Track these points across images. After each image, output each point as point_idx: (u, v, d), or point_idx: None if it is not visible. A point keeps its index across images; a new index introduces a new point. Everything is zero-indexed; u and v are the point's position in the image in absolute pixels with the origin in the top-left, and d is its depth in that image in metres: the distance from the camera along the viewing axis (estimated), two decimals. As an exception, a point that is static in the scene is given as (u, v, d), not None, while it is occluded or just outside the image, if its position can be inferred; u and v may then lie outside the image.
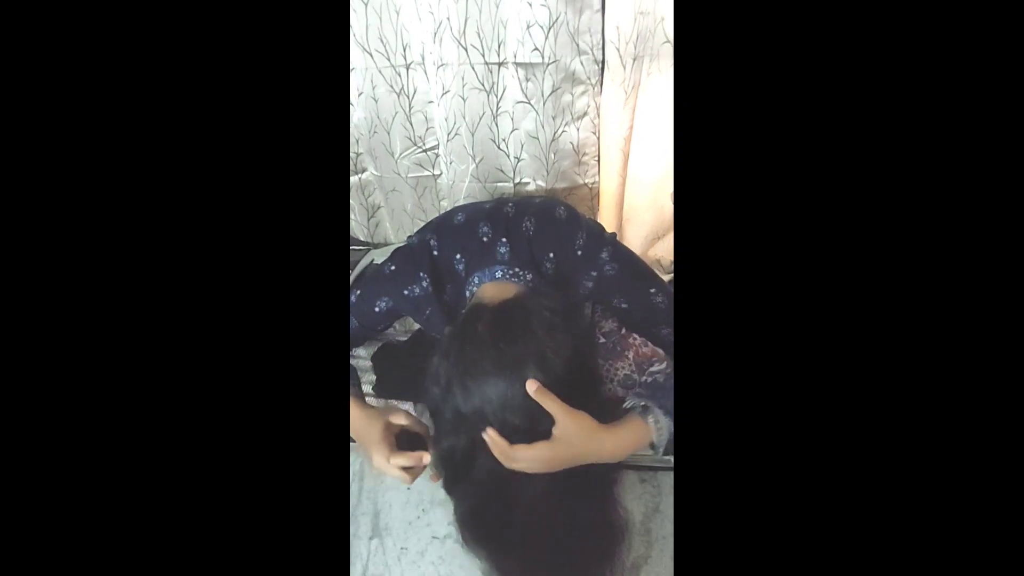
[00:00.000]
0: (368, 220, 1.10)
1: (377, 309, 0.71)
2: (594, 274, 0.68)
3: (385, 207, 1.06)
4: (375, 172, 0.99)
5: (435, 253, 0.69)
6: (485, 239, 0.68)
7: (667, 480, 0.98)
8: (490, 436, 0.53)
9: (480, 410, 0.54)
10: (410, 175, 0.97)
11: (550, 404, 0.52)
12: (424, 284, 0.68)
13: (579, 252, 0.67)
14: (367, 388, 1.01)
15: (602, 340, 1.27)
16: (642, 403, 0.61)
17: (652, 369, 0.83)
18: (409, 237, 0.73)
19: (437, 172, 0.97)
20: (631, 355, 1.22)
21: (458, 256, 0.68)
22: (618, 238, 0.74)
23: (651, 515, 0.98)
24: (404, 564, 1.00)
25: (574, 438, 0.54)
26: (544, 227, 0.68)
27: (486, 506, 0.59)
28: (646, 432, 0.59)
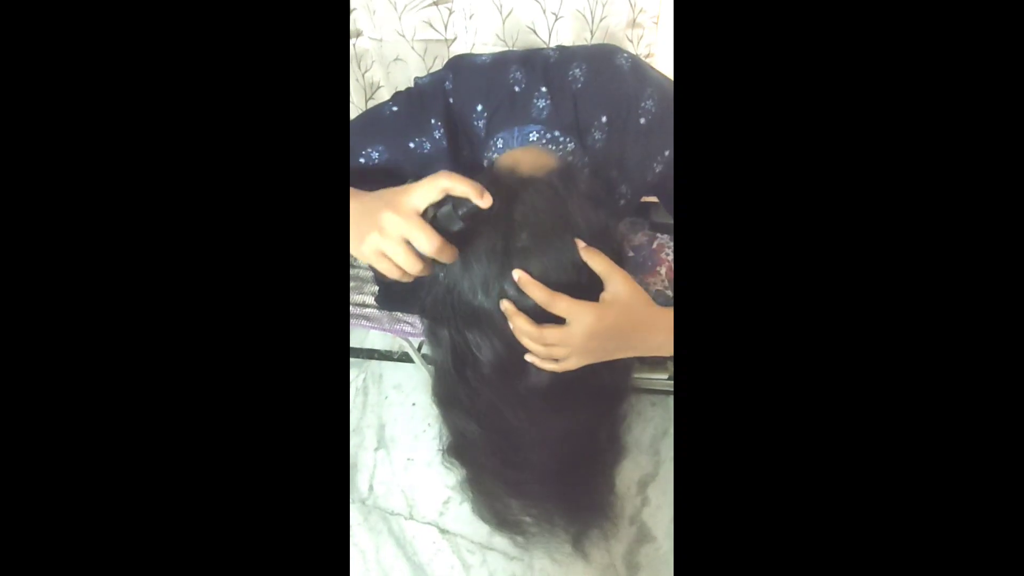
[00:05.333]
0: (366, 102, 0.92)
1: (363, 160, 0.52)
2: (668, 154, 0.51)
3: (387, 85, 0.88)
4: (373, 36, 0.79)
5: (450, 100, 0.51)
6: (517, 88, 0.50)
7: (677, 405, 1.00)
8: (507, 309, 0.39)
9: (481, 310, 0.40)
10: (417, 38, 0.78)
11: (599, 263, 0.39)
12: (437, 136, 0.50)
13: (643, 120, 0.50)
14: (368, 299, 0.91)
15: (631, 255, 1.14)
16: None
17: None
18: (417, 78, 0.53)
19: (451, 36, 0.77)
20: (664, 271, 1.10)
21: (479, 108, 0.50)
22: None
23: (660, 437, 1.04)
24: (411, 474, 1.02)
25: (630, 302, 0.40)
26: (598, 79, 0.50)
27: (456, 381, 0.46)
28: None
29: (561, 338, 0.39)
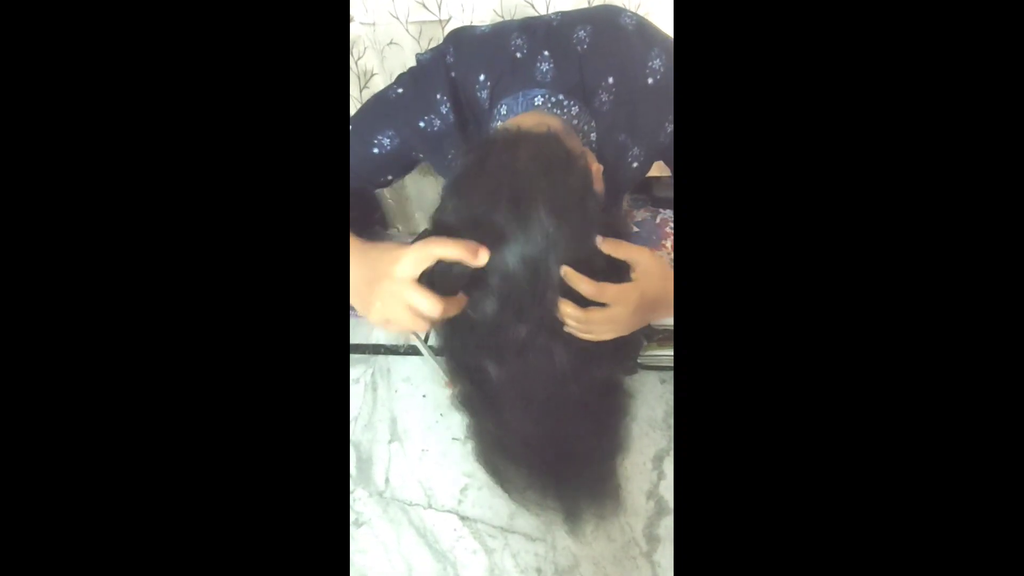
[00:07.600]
0: (360, 91, 0.91)
1: (376, 150, 0.51)
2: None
3: (381, 72, 0.87)
4: (365, 21, 0.79)
5: (452, 74, 0.50)
6: (519, 55, 0.49)
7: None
8: (567, 273, 0.39)
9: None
10: (411, 20, 0.77)
11: (621, 250, 0.40)
12: (444, 111, 0.50)
13: (650, 80, 0.49)
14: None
15: (636, 231, 1.14)
16: None
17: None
18: (419, 55, 0.53)
19: (446, 16, 0.77)
20: (669, 244, 1.10)
21: (482, 78, 0.49)
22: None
23: (672, 412, 1.05)
24: (426, 465, 1.02)
25: (659, 273, 0.41)
26: (602, 40, 0.49)
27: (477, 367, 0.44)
28: None
29: (607, 319, 0.40)
